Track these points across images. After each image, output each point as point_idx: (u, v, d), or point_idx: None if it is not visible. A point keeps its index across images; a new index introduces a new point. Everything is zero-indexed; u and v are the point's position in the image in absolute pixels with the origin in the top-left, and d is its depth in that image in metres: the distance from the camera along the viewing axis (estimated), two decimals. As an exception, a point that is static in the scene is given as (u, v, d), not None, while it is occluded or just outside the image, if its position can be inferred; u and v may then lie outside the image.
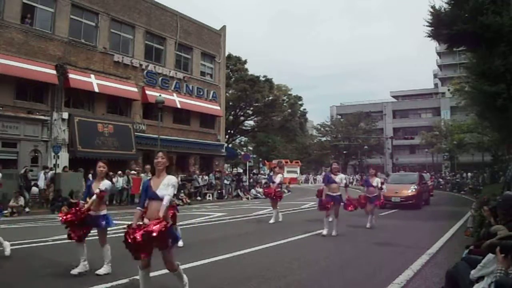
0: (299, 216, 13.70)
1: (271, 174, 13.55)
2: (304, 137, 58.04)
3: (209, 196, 23.11)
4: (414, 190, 16.58)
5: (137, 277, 5.09)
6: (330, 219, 9.13)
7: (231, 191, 25.05)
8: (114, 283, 4.83)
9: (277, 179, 11.92)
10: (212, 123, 28.06)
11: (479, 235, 5.73)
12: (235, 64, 39.07)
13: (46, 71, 17.80)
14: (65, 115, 18.42)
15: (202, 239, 8.64)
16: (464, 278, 3.67)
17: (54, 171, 16.68)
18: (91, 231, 5.57)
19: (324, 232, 8.94)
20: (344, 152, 57.22)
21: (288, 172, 39.31)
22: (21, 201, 14.42)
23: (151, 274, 5.27)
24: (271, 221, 11.40)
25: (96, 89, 19.69)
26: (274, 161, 38.99)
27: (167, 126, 23.52)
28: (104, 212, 5.53)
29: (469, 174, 34.42)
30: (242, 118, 43.46)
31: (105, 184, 5.51)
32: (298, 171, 49.00)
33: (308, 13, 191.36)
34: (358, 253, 7.43)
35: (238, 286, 4.98)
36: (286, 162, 37.22)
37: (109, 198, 17.89)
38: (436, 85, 71.86)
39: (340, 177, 9.38)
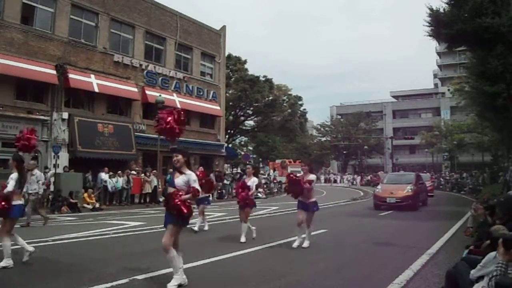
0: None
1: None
2: (304, 137, 57.97)
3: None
4: (410, 190, 15.97)
5: (137, 277, 5.11)
6: None
7: (231, 191, 25.03)
8: (114, 283, 4.82)
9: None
10: (212, 123, 28.04)
11: (479, 235, 5.74)
12: (235, 64, 39.03)
13: (46, 71, 17.77)
14: (65, 115, 18.37)
15: (202, 239, 8.64)
16: (464, 278, 3.67)
17: (53, 171, 16.65)
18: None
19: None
20: (344, 152, 57.23)
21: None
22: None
23: (151, 274, 5.29)
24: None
25: (96, 89, 19.66)
26: (278, 161, 38.92)
27: (167, 126, 23.45)
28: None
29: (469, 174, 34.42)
30: (242, 118, 43.42)
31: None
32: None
33: (308, 13, 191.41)
34: (358, 253, 7.43)
35: (238, 286, 4.98)
36: (290, 162, 37.16)
37: (109, 198, 17.95)
38: (436, 85, 71.87)
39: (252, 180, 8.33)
